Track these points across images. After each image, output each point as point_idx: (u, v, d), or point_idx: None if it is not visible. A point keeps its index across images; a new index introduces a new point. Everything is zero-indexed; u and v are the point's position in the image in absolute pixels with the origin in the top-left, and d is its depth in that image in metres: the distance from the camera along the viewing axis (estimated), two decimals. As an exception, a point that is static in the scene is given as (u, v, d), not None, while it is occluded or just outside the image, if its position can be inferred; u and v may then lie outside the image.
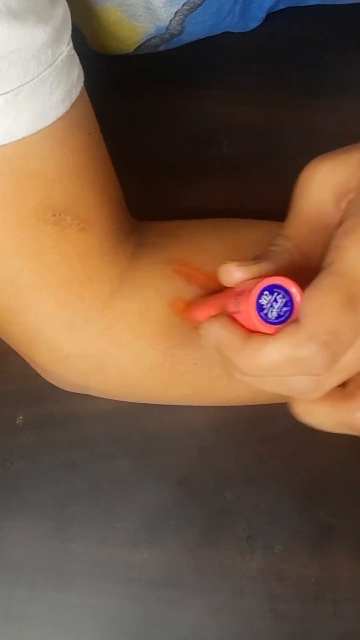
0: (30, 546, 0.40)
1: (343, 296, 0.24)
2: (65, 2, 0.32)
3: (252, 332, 0.26)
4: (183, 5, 0.39)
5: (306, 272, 0.26)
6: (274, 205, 0.44)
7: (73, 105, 0.32)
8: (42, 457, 0.41)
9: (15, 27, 0.28)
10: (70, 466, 0.41)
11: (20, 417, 0.42)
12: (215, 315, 0.28)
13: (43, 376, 0.38)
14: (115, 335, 0.34)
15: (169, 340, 0.34)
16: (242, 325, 0.27)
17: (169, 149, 0.45)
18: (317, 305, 0.24)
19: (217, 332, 0.27)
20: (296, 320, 0.25)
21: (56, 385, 0.39)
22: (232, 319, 0.27)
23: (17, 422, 0.42)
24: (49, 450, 0.41)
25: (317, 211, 0.29)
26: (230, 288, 0.29)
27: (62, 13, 0.31)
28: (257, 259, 0.28)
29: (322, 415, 0.28)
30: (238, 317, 0.27)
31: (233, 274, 0.28)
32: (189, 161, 0.45)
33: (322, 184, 0.28)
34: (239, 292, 0.28)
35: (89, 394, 0.39)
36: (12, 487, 0.41)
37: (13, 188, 0.31)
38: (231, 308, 0.28)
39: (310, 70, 0.47)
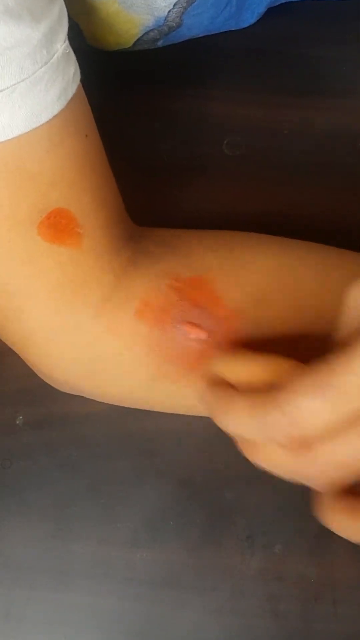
0: (30, 546, 0.40)
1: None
2: (62, 1, 0.32)
3: None
4: None
5: None
6: (274, 206, 0.44)
7: (69, 105, 0.32)
8: (42, 457, 0.41)
9: (11, 25, 0.28)
10: (70, 466, 0.41)
11: (20, 417, 0.42)
12: None
13: (40, 377, 0.38)
14: (104, 346, 0.34)
15: (159, 356, 0.34)
16: None
17: (168, 149, 0.45)
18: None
19: None
20: None
21: (53, 386, 0.39)
22: None
23: (17, 422, 0.42)
24: (49, 450, 0.41)
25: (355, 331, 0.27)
26: None
27: (58, 10, 0.31)
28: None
29: (343, 524, 0.27)
30: None
31: None
32: (189, 161, 0.45)
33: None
34: None
35: (87, 397, 0.39)
36: (12, 487, 0.41)
37: (7, 190, 0.31)
38: None
39: (310, 69, 0.47)
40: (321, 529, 0.40)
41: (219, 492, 0.41)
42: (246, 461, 0.41)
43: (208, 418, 0.40)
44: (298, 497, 0.40)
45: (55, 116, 0.31)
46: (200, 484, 0.41)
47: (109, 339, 0.34)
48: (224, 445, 0.41)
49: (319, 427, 0.24)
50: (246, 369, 0.29)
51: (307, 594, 0.39)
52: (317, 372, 0.24)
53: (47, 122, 0.31)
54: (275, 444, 0.26)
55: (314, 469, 0.26)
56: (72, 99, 0.32)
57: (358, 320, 0.27)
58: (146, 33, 0.43)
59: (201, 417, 0.39)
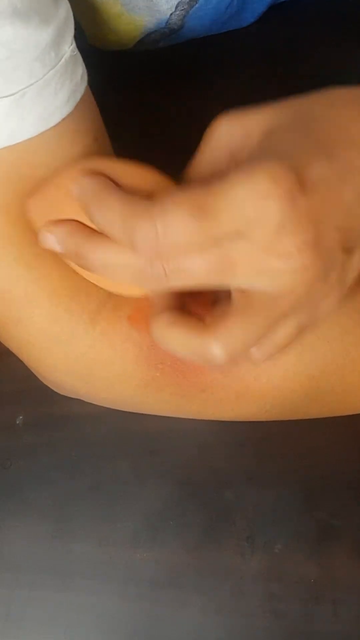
0: (30, 546, 0.40)
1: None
2: (68, 2, 0.32)
3: None
4: None
5: None
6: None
7: (77, 107, 0.32)
8: (42, 457, 0.41)
9: (20, 28, 0.28)
10: (70, 466, 0.41)
11: (20, 417, 0.42)
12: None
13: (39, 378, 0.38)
14: (99, 354, 0.34)
15: (152, 363, 0.34)
16: None
17: (168, 149, 0.45)
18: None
19: None
20: None
21: (52, 388, 0.39)
22: None
23: (17, 422, 0.42)
24: (49, 450, 0.41)
25: (211, 168, 0.29)
26: None
27: (64, 13, 0.31)
28: None
29: (176, 341, 0.27)
30: None
31: None
32: (189, 161, 0.45)
33: (218, 143, 0.29)
34: None
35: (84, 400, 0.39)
36: (12, 487, 0.41)
37: (14, 194, 0.31)
38: None
39: (311, 69, 0.47)
40: (321, 529, 0.40)
41: (219, 492, 0.41)
42: (246, 461, 0.42)
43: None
44: (298, 497, 0.40)
45: (63, 119, 0.31)
46: (200, 484, 0.41)
47: (103, 347, 0.34)
48: (224, 445, 0.41)
49: (182, 243, 0.24)
50: (127, 173, 0.28)
51: (307, 594, 0.39)
52: (197, 192, 0.24)
53: (56, 125, 0.31)
54: (131, 247, 0.25)
55: (158, 269, 0.25)
56: (80, 101, 0.32)
57: (225, 153, 0.28)
58: (148, 35, 0.43)
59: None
